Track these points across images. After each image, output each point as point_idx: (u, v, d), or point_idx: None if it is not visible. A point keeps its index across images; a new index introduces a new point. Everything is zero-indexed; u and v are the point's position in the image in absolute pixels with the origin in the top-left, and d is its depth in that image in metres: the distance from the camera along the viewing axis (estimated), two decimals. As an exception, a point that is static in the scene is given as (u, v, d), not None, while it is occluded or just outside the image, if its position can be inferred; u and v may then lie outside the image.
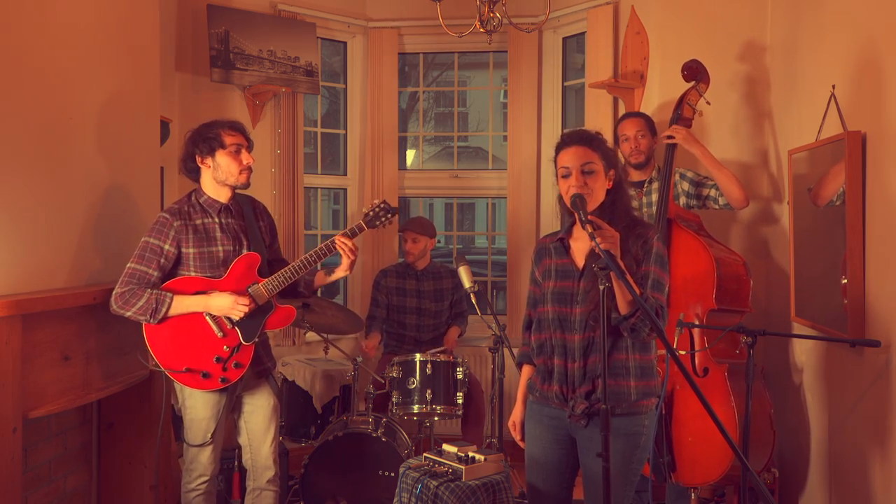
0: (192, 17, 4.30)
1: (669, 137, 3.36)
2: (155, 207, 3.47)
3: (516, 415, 2.58)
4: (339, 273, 2.98)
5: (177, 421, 3.61)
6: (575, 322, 2.31)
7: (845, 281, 2.82)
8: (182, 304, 2.72)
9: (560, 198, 2.42)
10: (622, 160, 3.61)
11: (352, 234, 2.92)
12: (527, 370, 2.56)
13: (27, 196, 2.63)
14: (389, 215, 2.99)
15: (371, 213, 2.99)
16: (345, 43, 5.00)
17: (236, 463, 3.49)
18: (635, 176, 3.60)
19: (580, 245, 2.38)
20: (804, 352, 3.43)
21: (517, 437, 2.58)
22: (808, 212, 3.21)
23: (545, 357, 2.39)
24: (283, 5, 4.56)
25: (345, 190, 5.06)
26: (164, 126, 3.75)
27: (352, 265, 2.94)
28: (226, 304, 2.74)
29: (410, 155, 6.19)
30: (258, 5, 4.48)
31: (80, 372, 2.81)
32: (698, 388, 1.82)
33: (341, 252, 2.89)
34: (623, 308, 2.19)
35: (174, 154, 4.14)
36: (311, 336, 4.58)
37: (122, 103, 3.18)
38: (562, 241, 2.42)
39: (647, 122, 3.57)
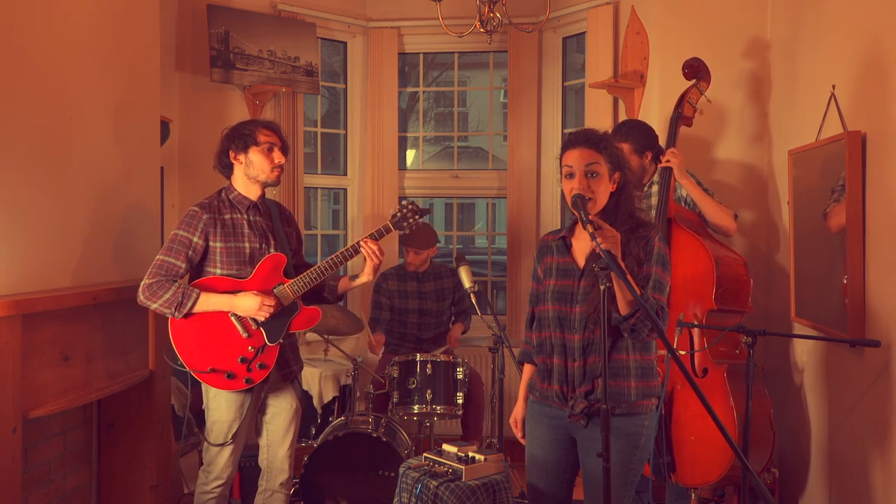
0: (192, 17, 4.30)
1: (666, 161, 3.29)
2: (155, 207, 3.47)
3: (518, 412, 2.59)
4: (363, 278, 2.90)
5: (176, 420, 3.62)
6: (575, 321, 2.31)
7: (845, 281, 2.82)
8: (208, 302, 2.72)
9: (564, 198, 2.42)
10: None
11: (378, 236, 2.87)
12: (528, 369, 2.56)
13: (27, 196, 2.63)
14: (418, 217, 2.94)
15: (399, 213, 2.93)
16: (345, 43, 5.00)
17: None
18: None
19: (582, 244, 2.38)
20: (804, 352, 3.43)
21: (518, 434, 2.59)
22: (809, 212, 3.21)
23: (545, 356, 2.39)
24: (283, 5, 4.56)
25: (345, 190, 5.06)
26: (164, 126, 3.75)
27: (376, 269, 2.89)
28: (252, 305, 2.72)
29: (410, 155, 6.19)
30: (258, 5, 4.48)
31: (80, 372, 2.81)
32: (699, 388, 1.82)
33: (366, 255, 2.85)
34: (623, 308, 2.18)
35: (174, 154, 4.15)
36: (312, 336, 4.58)
37: (123, 103, 3.18)
38: (564, 240, 2.41)
39: (634, 144, 3.43)
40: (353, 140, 5.01)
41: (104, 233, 3.05)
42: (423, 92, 5.77)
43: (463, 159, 7.71)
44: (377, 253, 2.85)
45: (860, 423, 2.87)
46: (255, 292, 2.74)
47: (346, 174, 5.04)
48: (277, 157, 2.85)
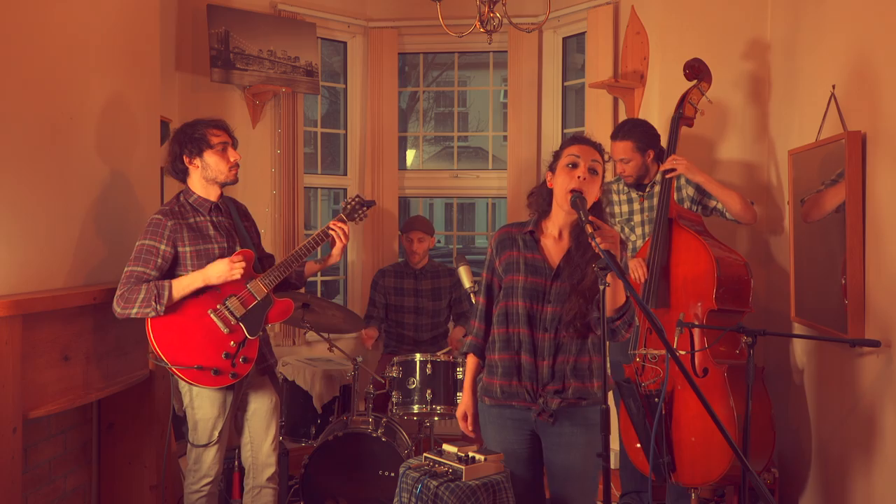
0: (192, 17, 4.30)
1: (670, 171, 3.29)
2: (155, 207, 3.46)
3: (467, 405, 2.55)
4: (331, 259, 3.01)
5: (176, 420, 3.62)
6: (546, 320, 2.31)
7: (844, 281, 2.82)
8: (181, 285, 2.71)
9: (537, 191, 2.41)
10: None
11: (342, 222, 2.99)
12: (474, 361, 2.52)
13: (27, 196, 2.63)
14: (365, 208, 3.08)
15: (349, 206, 3.06)
16: (345, 43, 5.00)
17: (236, 462, 3.49)
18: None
19: (551, 242, 2.38)
20: (804, 352, 3.43)
21: (469, 429, 2.56)
22: (808, 212, 3.21)
23: (512, 353, 2.36)
24: (283, 5, 4.56)
25: (345, 190, 5.06)
26: (164, 126, 3.75)
27: (343, 250, 2.98)
28: (223, 269, 2.73)
29: (410, 155, 6.20)
30: (258, 5, 4.48)
31: (80, 372, 2.81)
32: (698, 388, 1.82)
33: (334, 236, 2.94)
34: (608, 311, 2.19)
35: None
36: (312, 336, 4.58)
37: (122, 103, 3.18)
38: (532, 235, 2.40)
39: (637, 141, 3.46)
40: (353, 140, 5.01)
41: (104, 233, 3.05)
42: (423, 92, 5.77)
43: (463, 159, 7.72)
44: (346, 233, 2.95)
45: (860, 423, 2.87)
46: (221, 260, 2.75)
47: (346, 174, 5.04)
48: (233, 155, 2.86)
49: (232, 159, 2.85)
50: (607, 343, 2.09)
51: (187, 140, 2.81)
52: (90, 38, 2.98)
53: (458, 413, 2.57)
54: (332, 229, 2.94)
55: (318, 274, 4.77)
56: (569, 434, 2.32)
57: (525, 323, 2.34)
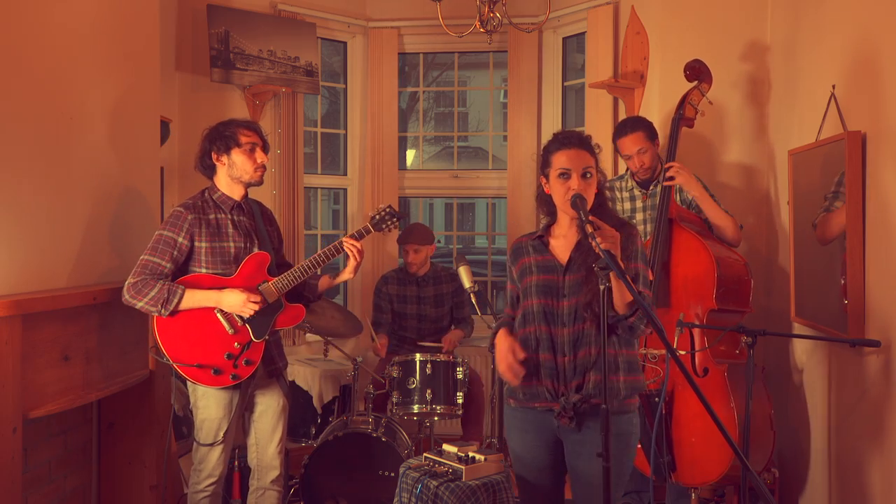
0: (192, 17, 4.30)
1: (670, 179, 3.29)
2: (155, 207, 3.47)
3: (510, 342, 2.32)
4: (344, 276, 2.99)
5: (176, 420, 3.62)
6: (563, 315, 2.31)
7: (845, 281, 2.82)
8: (193, 299, 2.73)
9: (540, 196, 2.41)
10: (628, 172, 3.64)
11: (359, 237, 2.96)
12: (504, 331, 2.37)
13: (27, 196, 2.63)
14: (395, 219, 3.05)
15: (377, 216, 3.04)
16: (345, 43, 5.00)
17: (236, 462, 3.49)
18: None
19: (560, 242, 2.39)
20: (804, 352, 3.43)
21: (516, 362, 2.30)
22: (808, 212, 3.21)
23: (530, 352, 2.34)
24: (283, 5, 4.56)
25: (345, 190, 5.06)
26: (164, 126, 3.75)
27: (357, 268, 2.95)
28: (237, 301, 2.74)
29: (410, 155, 6.20)
30: (258, 5, 4.48)
31: (80, 372, 2.81)
32: (698, 388, 1.82)
33: (349, 253, 2.92)
34: (620, 308, 2.19)
35: (174, 154, 4.15)
36: (311, 336, 4.58)
37: (123, 103, 3.18)
38: (541, 239, 2.42)
39: (646, 131, 3.48)
40: (353, 140, 5.01)
41: (104, 233, 3.05)
42: (423, 92, 5.77)
43: (463, 159, 7.72)
44: (360, 251, 2.92)
45: (860, 423, 2.87)
46: (240, 289, 2.76)
47: (346, 174, 5.04)
48: (260, 157, 2.87)
49: (259, 161, 2.86)
50: (606, 341, 2.08)
51: (217, 137, 2.84)
52: (90, 39, 2.98)
53: (503, 353, 2.32)
54: (346, 246, 2.91)
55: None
56: (591, 442, 2.27)
57: (542, 319, 2.33)
